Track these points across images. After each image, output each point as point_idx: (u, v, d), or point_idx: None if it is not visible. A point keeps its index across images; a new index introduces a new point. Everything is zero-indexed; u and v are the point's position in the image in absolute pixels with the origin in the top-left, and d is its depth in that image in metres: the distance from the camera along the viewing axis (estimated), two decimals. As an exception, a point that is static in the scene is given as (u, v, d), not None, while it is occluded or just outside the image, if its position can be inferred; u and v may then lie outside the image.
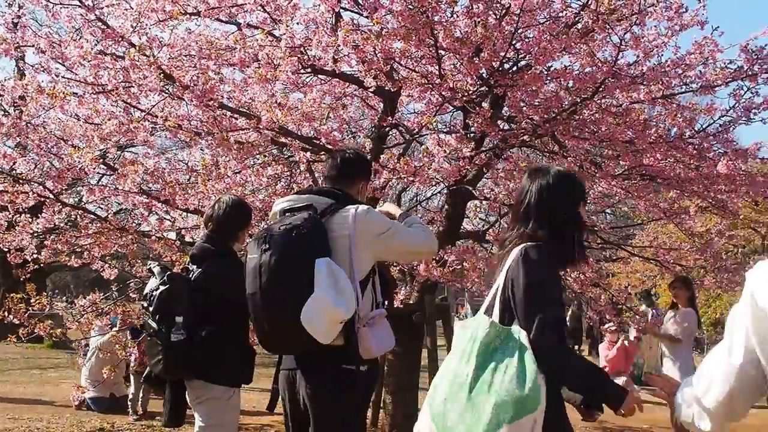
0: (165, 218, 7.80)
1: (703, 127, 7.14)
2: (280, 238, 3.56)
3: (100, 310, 7.69)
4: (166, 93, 6.57)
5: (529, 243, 3.05)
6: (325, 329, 3.47)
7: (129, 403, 10.05)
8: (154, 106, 6.69)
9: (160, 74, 6.15)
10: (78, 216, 7.56)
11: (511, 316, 2.98)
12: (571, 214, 3.22)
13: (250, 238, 4.35)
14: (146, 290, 4.75)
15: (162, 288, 4.53)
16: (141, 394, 9.97)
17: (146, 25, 6.68)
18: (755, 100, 6.57)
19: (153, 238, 7.27)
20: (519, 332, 2.86)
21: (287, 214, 3.80)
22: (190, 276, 4.63)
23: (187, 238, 7.59)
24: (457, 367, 2.89)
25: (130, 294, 8.17)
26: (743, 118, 6.74)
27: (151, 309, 4.53)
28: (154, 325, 4.50)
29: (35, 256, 7.58)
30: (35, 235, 7.42)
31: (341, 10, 6.74)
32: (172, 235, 7.80)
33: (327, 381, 3.69)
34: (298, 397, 3.77)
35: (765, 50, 6.34)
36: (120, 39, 6.41)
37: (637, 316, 9.91)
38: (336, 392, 3.68)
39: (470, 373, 2.81)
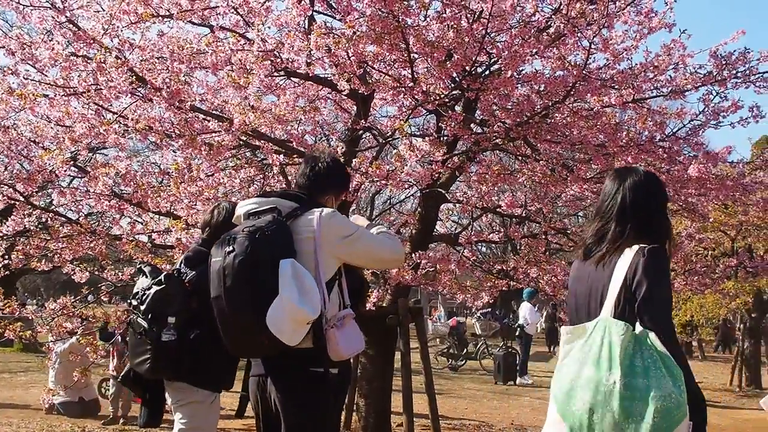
0: (137, 221, 7.75)
1: (674, 131, 7.22)
2: (244, 239, 3.52)
3: (71, 313, 7.63)
4: (138, 95, 6.54)
5: (646, 245, 3.04)
6: (290, 330, 3.44)
7: (111, 404, 9.96)
8: (125, 108, 6.66)
9: (131, 76, 6.12)
10: (49, 219, 7.50)
11: (632, 315, 2.95)
12: (664, 214, 3.28)
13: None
14: (136, 289, 4.71)
15: (156, 288, 4.50)
16: (120, 397, 9.88)
17: (118, 27, 6.64)
18: (724, 104, 6.65)
19: (124, 241, 7.22)
20: (648, 334, 2.85)
21: (252, 216, 3.78)
22: (184, 278, 4.61)
23: (159, 241, 7.53)
24: (597, 374, 2.83)
25: (102, 297, 8.10)
26: (712, 122, 6.81)
27: (142, 308, 4.50)
28: (144, 324, 4.46)
29: (6, 261, 7.52)
30: (5, 238, 7.35)
31: (315, 13, 6.75)
32: (144, 239, 7.74)
33: (297, 385, 3.67)
34: (269, 401, 3.75)
35: (734, 56, 6.42)
36: (91, 41, 6.37)
37: None
38: (307, 396, 3.66)
39: (618, 380, 2.76)
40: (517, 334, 18.41)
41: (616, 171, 3.44)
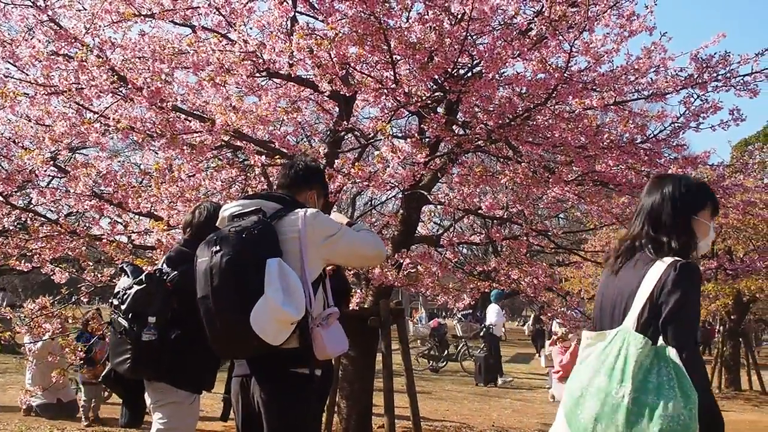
0: (117, 222, 7.71)
1: (654, 133, 7.25)
2: (230, 239, 3.53)
3: (50, 314, 7.58)
4: (119, 95, 6.51)
5: (681, 259, 2.97)
6: (274, 331, 3.44)
7: (81, 409, 9.91)
8: (107, 108, 6.63)
9: (112, 76, 6.09)
10: (28, 219, 7.45)
11: (656, 329, 2.89)
12: (703, 225, 3.21)
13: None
14: (117, 288, 4.70)
15: (137, 287, 4.49)
16: (93, 401, 9.83)
17: (100, 26, 6.61)
18: (704, 106, 6.69)
19: (104, 241, 7.18)
20: (669, 351, 2.80)
21: (236, 218, 3.78)
22: (165, 278, 4.59)
23: (139, 242, 7.50)
24: (608, 385, 2.79)
25: (81, 298, 8.05)
26: (692, 123, 6.85)
27: (122, 307, 4.49)
28: (124, 323, 4.44)
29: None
30: (-17, 237, 7.30)
31: (297, 15, 6.74)
32: (124, 239, 7.70)
33: (282, 385, 3.67)
34: (252, 402, 3.74)
35: (714, 59, 6.45)
36: (73, 40, 6.33)
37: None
38: (291, 397, 3.66)
39: (627, 394, 2.72)
40: (482, 335, 18.43)
41: (654, 179, 3.36)
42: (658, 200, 3.18)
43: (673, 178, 3.30)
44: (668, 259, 2.98)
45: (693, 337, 2.87)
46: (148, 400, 4.73)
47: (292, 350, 3.59)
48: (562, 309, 9.04)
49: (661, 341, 2.84)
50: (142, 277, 4.53)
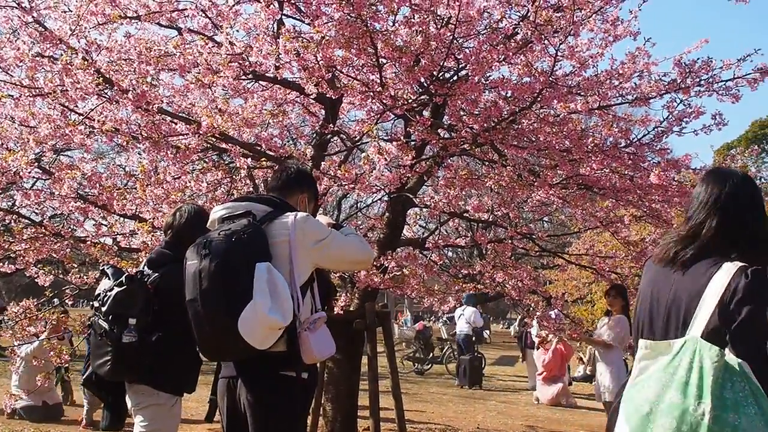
0: (102, 224, 7.69)
1: (638, 137, 7.29)
2: (220, 243, 3.54)
3: (34, 317, 7.54)
4: (104, 97, 6.50)
5: (749, 265, 2.75)
6: (262, 336, 3.46)
7: (85, 411, 9.82)
8: (92, 110, 6.61)
9: (98, 78, 6.08)
10: (12, 221, 7.42)
11: (723, 339, 2.70)
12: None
13: None
14: (98, 290, 4.68)
15: (118, 289, 4.47)
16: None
17: (85, 28, 6.60)
18: (687, 111, 6.74)
19: (89, 243, 7.15)
20: (740, 364, 2.58)
21: (226, 221, 3.79)
22: (146, 279, 4.58)
23: (124, 244, 7.47)
24: (683, 401, 2.55)
25: (65, 301, 8.01)
26: (676, 128, 6.89)
27: (103, 309, 4.48)
28: (105, 325, 4.43)
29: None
30: (-33, 240, 7.25)
31: (283, 17, 6.74)
32: (109, 241, 7.68)
33: (268, 388, 3.68)
34: (238, 404, 3.75)
35: (697, 64, 6.50)
36: (58, 42, 6.32)
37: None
38: (277, 399, 3.67)
39: (707, 412, 2.49)
40: (462, 339, 18.47)
41: (714, 172, 3.17)
42: (731, 194, 2.99)
43: (738, 172, 3.14)
44: (738, 264, 2.78)
45: (764, 350, 2.67)
46: (129, 403, 4.72)
47: (279, 353, 3.60)
48: (550, 312, 9.08)
49: (728, 352, 2.63)
50: (123, 278, 4.52)
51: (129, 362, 4.44)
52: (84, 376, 5.02)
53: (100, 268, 5.08)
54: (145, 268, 4.71)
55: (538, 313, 8.90)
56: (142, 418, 4.60)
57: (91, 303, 4.73)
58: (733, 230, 2.94)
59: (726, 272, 2.76)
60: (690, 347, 2.66)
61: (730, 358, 2.59)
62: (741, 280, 2.72)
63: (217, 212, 3.90)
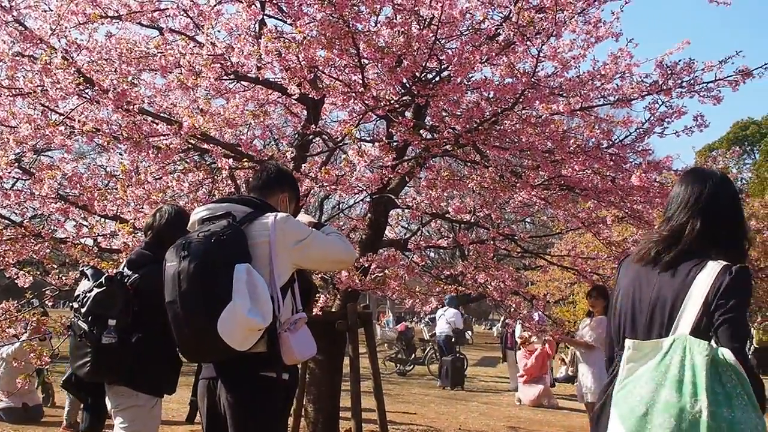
0: (83, 224, 7.64)
1: (620, 139, 7.32)
2: (199, 244, 3.53)
3: (14, 318, 7.48)
4: (85, 97, 6.46)
5: (733, 263, 2.81)
6: (241, 338, 3.45)
7: (66, 413, 9.76)
8: (73, 110, 6.57)
9: (78, 77, 6.05)
10: (-8, 221, 7.36)
11: (708, 335, 2.72)
12: (745, 224, 3.10)
13: None
14: (77, 292, 4.66)
15: (98, 290, 4.45)
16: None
17: (66, 27, 6.56)
18: (668, 112, 6.76)
19: (69, 244, 7.11)
20: (725, 353, 2.63)
21: (206, 222, 3.77)
22: (126, 280, 4.57)
23: (105, 245, 7.43)
24: (679, 399, 2.57)
25: (45, 302, 7.96)
26: (657, 128, 6.92)
27: (82, 310, 4.45)
28: (84, 326, 4.41)
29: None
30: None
31: (265, 18, 6.73)
32: (90, 242, 7.63)
33: (248, 389, 3.67)
34: (218, 405, 3.74)
35: (679, 65, 6.52)
36: (38, 41, 6.28)
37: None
38: (257, 400, 3.66)
39: (704, 409, 2.51)
40: (443, 340, 18.49)
41: (694, 172, 3.19)
42: (711, 193, 3.02)
43: (717, 171, 3.16)
44: (721, 262, 2.83)
45: (746, 343, 2.77)
46: (109, 405, 4.70)
47: (259, 354, 3.60)
48: (532, 312, 9.10)
49: (715, 345, 2.68)
50: (103, 279, 4.50)
51: (109, 363, 4.42)
52: (63, 378, 4.99)
53: (80, 269, 5.05)
54: (125, 269, 4.70)
55: (522, 315, 8.92)
56: (121, 420, 4.58)
57: (71, 303, 4.70)
58: (714, 230, 2.96)
59: (710, 271, 2.81)
60: (680, 345, 2.70)
61: (718, 350, 2.63)
62: (725, 278, 2.77)
63: (197, 214, 3.89)
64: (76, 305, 4.56)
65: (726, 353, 2.63)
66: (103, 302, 4.43)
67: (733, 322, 2.73)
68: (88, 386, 4.76)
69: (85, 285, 4.62)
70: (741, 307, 2.77)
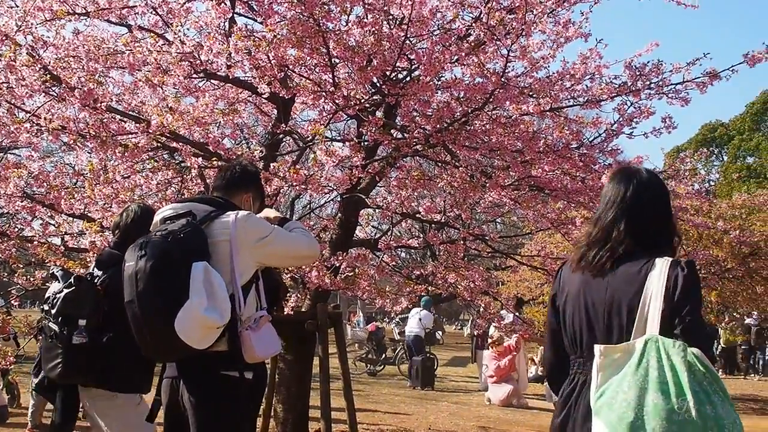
0: (50, 223, 7.57)
1: (590, 140, 7.36)
2: (156, 244, 3.53)
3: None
4: (52, 95, 6.39)
5: (679, 259, 2.84)
6: (199, 336, 3.45)
7: (30, 414, 9.65)
8: (39, 107, 6.50)
9: (45, 75, 5.98)
10: (-44, 220, 7.27)
11: (672, 332, 2.72)
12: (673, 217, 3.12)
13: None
14: (48, 293, 4.62)
15: (67, 290, 4.41)
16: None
17: (32, 24, 6.48)
18: (637, 112, 6.80)
19: (36, 243, 7.03)
20: (696, 353, 2.61)
21: (167, 221, 3.76)
22: (96, 281, 4.53)
23: (72, 244, 7.36)
24: (666, 401, 2.53)
25: (11, 302, 7.88)
26: (626, 128, 6.95)
27: (52, 311, 4.41)
28: (55, 327, 4.38)
29: None
30: None
31: (235, 16, 6.69)
32: (57, 241, 7.56)
33: (210, 388, 3.67)
34: (180, 405, 3.72)
35: (647, 67, 6.56)
36: (4, 38, 6.20)
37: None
38: (218, 400, 3.66)
39: (692, 408, 2.50)
40: (411, 340, 18.53)
41: (621, 171, 3.20)
42: (636, 191, 3.03)
43: (641, 170, 3.15)
44: (666, 258, 2.85)
45: (712, 342, 2.74)
46: (85, 405, 4.66)
47: (220, 353, 3.59)
48: (503, 312, 9.13)
49: (685, 344, 2.66)
50: (71, 279, 4.47)
51: (80, 363, 4.39)
52: (36, 381, 4.94)
53: (49, 270, 5.01)
54: (95, 269, 4.66)
55: (491, 315, 8.95)
56: (111, 425, 4.55)
57: (42, 306, 4.67)
58: (641, 228, 2.98)
59: (661, 268, 2.81)
60: (653, 346, 2.67)
61: (689, 350, 2.63)
62: (678, 272, 2.79)
63: (161, 213, 3.89)
64: (46, 307, 4.52)
65: (696, 352, 2.63)
66: (72, 302, 4.40)
67: (698, 322, 2.77)
68: (59, 387, 4.72)
69: (55, 287, 4.58)
70: (700, 303, 2.82)
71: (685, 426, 2.50)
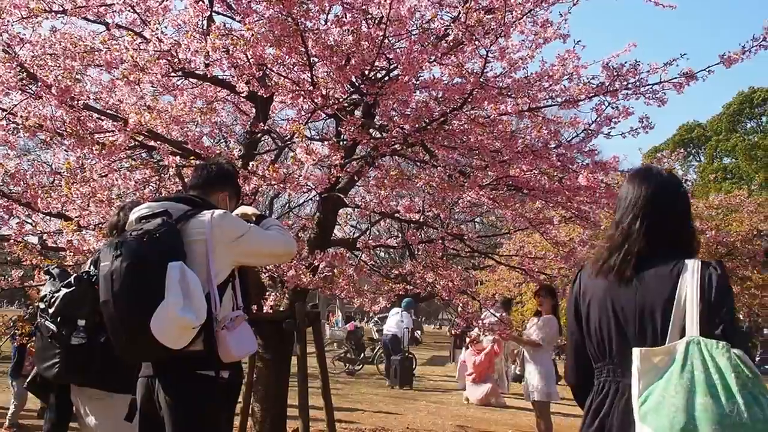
0: (26, 222, 7.52)
1: (568, 140, 7.39)
2: (131, 244, 3.52)
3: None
4: (29, 92, 6.35)
5: (709, 260, 2.80)
6: (175, 336, 3.45)
7: (10, 414, 9.59)
8: (15, 105, 6.46)
9: (21, 72, 5.94)
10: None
11: (714, 333, 2.65)
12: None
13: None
14: (43, 292, 4.61)
15: (66, 290, 4.40)
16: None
17: (8, 21, 6.43)
18: (615, 112, 6.83)
19: (12, 242, 6.99)
20: (738, 354, 2.56)
21: (143, 221, 3.75)
22: (93, 279, 4.51)
23: (50, 243, 7.32)
24: (717, 405, 2.47)
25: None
26: (604, 128, 6.97)
27: (50, 311, 4.39)
28: (53, 327, 4.36)
29: None
30: None
31: (214, 14, 6.67)
32: (34, 240, 7.52)
33: (185, 388, 3.66)
34: (156, 404, 3.72)
35: (625, 67, 6.59)
36: (-21, 35, 6.17)
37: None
38: (195, 399, 3.65)
39: (743, 410, 2.44)
40: (389, 339, 18.57)
41: (639, 172, 3.13)
42: (656, 192, 2.98)
43: (658, 169, 3.11)
44: (695, 259, 2.80)
45: (747, 343, 2.70)
46: (78, 406, 4.65)
47: (196, 353, 3.58)
48: (485, 311, 9.14)
49: (728, 345, 2.60)
50: (71, 279, 4.45)
51: (78, 364, 4.39)
52: (28, 380, 4.92)
53: (45, 268, 4.99)
54: (91, 267, 4.64)
55: (470, 315, 8.96)
56: (103, 425, 4.54)
57: (35, 305, 4.64)
58: (663, 229, 2.93)
59: (693, 269, 2.76)
60: (695, 348, 2.61)
61: (732, 351, 2.57)
62: (712, 273, 2.74)
63: (135, 213, 3.87)
64: (42, 306, 4.51)
65: (739, 353, 2.57)
66: (72, 303, 4.39)
67: (735, 322, 2.74)
68: (53, 386, 4.70)
69: (51, 285, 4.56)
70: (734, 306, 2.77)
71: (737, 429, 2.44)
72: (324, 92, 6.34)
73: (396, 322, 18.52)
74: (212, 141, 10.08)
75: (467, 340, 15.70)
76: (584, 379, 3.10)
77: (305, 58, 6.19)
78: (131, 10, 6.59)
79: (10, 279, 7.21)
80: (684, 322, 2.71)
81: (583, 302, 3.09)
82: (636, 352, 2.71)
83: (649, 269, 2.86)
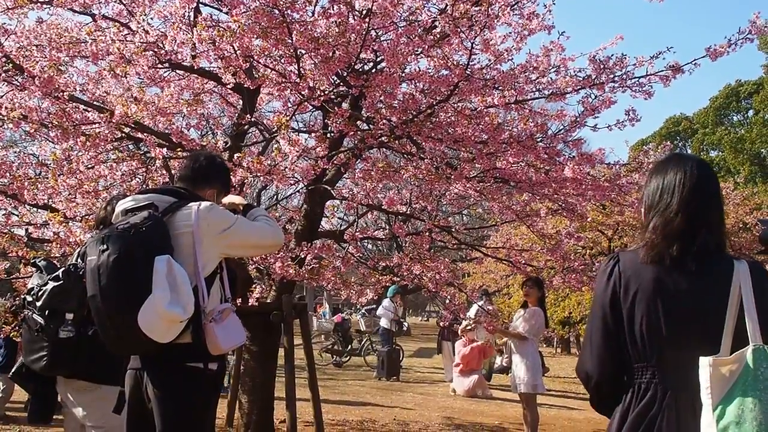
0: (13, 213, 7.50)
1: (555, 132, 7.41)
2: (118, 237, 3.50)
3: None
4: (14, 84, 6.33)
5: (754, 260, 2.68)
6: (163, 330, 3.44)
7: None
8: (1, 96, 6.44)
9: (6, 63, 5.92)
10: None
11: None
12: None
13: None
14: (31, 284, 4.58)
15: (54, 283, 4.38)
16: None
17: (-7, 12, 6.42)
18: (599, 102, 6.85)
19: (-2, 233, 6.96)
20: None
21: (129, 213, 3.73)
22: (80, 272, 4.49)
23: (36, 235, 7.29)
24: None
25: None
26: (590, 119, 6.99)
27: (38, 304, 4.37)
28: (40, 320, 4.34)
29: None
30: None
31: (201, 6, 6.66)
32: (20, 231, 7.48)
33: (173, 380, 3.66)
34: (144, 396, 3.72)
35: (611, 60, 6.62)
36: (-36, 26, 6.14)
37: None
38: (183, 391, 3.65)
39: None
40: (381, 331, 18.65)
41: (671, 157, 2.89)
42: (697, 174, 2.75)
43: (693, 156, 2.93)
44: (742, 260, 2.66)
45: None
46: (65, 398, 4.64)
47: (185, 345, 3.59)
48: (478, 303, 9.16)
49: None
50: (59, 273, 4.43)
51: (66, 357, 4.36)
52: (13, 370, 4.91)
53: (32, 261, 4.97)
54: (79, 260, 4.62)
55: (457, 307, 8.98)
56: (92, 418, 4.53)
57: (22, 298, 4.63)
58: (711, 217, 2.74)
59: (743, 272, 2.61)
60: (762, 355, 2.48)
61: None
62: (759, 277, 2.61)
63: (121, 205, 3.85)
64: (29, 299, 4.48)
65: None
66: (60, 296, 4.36)
67: None
68: (37, 377, 4.69)
69: (38, 278, 4.54)
70: None
71: None
72: (310, 84, 6.34)
73: (383, 312, 18.57)
74: (199, 133, 10.07)
75: (459, 331, 15.72)
76: (615, 382, 2.81)
77: (291, 50, 6.19)
78: (117, 1, 6.58)
79: (-1, 272, 7.19)
80: (736, 328, 2.56)
81: (624, 295, 2.75)
82: (704, 361, 2.51)
83: (704, 266, 2.65)
